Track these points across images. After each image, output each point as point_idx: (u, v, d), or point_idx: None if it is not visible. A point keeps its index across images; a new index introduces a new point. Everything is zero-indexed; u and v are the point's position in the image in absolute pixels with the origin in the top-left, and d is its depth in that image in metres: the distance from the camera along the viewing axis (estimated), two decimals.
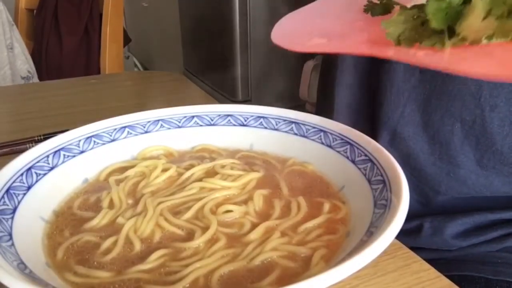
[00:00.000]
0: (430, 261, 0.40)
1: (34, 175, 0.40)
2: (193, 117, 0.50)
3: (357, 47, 0.37)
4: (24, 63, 1.50)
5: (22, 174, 0.39)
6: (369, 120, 0.61)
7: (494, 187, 0.53)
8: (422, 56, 0.33)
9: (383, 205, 0.34)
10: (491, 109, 0.50)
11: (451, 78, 0.52)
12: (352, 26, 0.42)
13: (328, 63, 0.66)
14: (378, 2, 0.44)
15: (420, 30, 0.35)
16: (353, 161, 0.41)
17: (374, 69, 0.59)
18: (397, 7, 0.43)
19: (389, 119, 0.57)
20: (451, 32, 0.34)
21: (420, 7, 0.38)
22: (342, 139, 0.43)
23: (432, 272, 0.39)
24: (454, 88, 0.52)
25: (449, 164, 0.54)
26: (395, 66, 0.55)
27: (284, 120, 0.48)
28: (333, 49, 0.37)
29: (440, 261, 0.50)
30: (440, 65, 0.31)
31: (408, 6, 0.40)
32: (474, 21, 0.33)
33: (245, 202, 0.40)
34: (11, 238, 0.33)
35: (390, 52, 0.35)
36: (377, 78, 0.58)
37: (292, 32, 0.43)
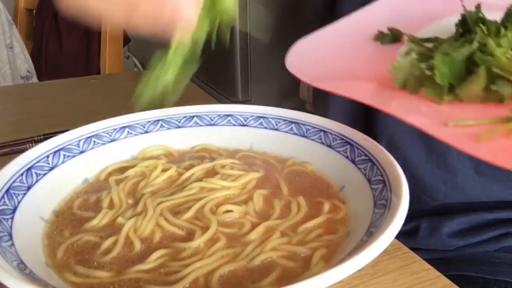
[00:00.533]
0: (428, 261, 0.40)
1: (34, 175, 0.40)
2: (193, 117, 0.50)
3: (361, 93, 0.37)
4: (24, 63, 1.50)
5: (22, 174, 0.39)
6: (365, 129, 0.60)
7: (492, 193, 0.53)
8: (420, 116, 0.34)
9: (383, 205, 0.34)
10: None
11: None
12: (359, 65, 0.43)
13: None
14: (388, 32, 0.44)
15: (425, 76, 0.36)
16: (353, 161, 0.41)
17: None
18: (405, 37, 0.43)
19: (386, 129, 0.57)
20: (452, 88, 0.35)
21: (429, 40, 0.38)
22: (342, 139, 0.43)
23: (432, 272, 0.39)
24: None
25: (446, 172, 0.54)
26: None
27: (284, 120, 0.48)
28: (339, 91, 0.38)
29: (439, 261, 0.50)
30: (434, 134, 0.31)
31: (417, 36, 0.41)
32: (475, 88, 0.34)
33: (245, 202, 0.40)
34: (11, 238, 0.33)
35: (391, 106, 0.36)
36: None
37: (303, 62, 0.44)
